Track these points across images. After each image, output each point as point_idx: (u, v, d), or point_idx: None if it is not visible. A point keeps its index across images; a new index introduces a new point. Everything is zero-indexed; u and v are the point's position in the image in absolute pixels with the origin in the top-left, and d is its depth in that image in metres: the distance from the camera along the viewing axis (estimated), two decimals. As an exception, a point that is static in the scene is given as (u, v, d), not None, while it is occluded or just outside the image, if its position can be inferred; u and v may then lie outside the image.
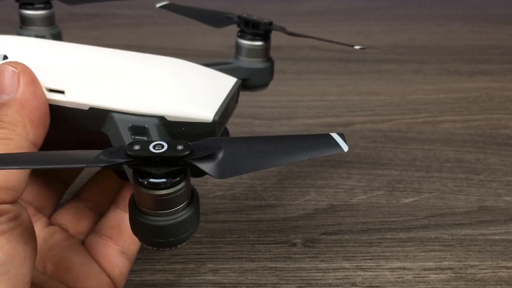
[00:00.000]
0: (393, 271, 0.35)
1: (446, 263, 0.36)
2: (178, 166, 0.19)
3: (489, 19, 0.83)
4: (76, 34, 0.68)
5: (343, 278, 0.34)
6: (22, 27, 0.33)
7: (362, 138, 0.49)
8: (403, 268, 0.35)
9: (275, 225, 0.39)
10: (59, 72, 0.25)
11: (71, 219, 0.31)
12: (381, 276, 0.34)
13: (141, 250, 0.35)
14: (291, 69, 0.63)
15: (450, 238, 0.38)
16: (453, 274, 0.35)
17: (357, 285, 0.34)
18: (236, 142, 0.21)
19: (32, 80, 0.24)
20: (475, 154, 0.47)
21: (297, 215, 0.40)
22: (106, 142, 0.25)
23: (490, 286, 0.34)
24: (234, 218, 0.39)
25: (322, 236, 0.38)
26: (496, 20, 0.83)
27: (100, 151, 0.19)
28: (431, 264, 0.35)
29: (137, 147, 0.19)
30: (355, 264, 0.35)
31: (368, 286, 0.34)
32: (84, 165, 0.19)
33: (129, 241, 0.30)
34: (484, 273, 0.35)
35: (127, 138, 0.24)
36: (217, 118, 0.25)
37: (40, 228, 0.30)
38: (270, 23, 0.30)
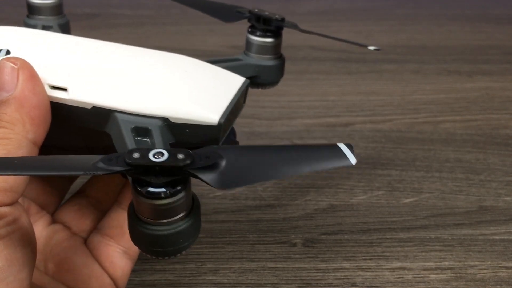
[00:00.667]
0: (393, 271, 0.35)
1: (446, 263, 0.36)
2: (178, 176, 0.19)
3: (488, 19, 0.83)
4: (76, 34, 0.68)
5: (343, 278, 0.34)
6: (29, 16, 0.32)
7: (362, 138, 0.49)
8: (403, 268, 0.35)
9: (275, 225, 0.38)
10: (62, 69, 0.24)
11: (74, 216, 0.31)
12: (381, 276, 0.34)
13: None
14: (292, 69, 0.62)
15: (450, 238, 0.38)
16: (453, 274, 0.35)
17: (357, 285, 0.34)
18: (239, 151, 0.20)
19: (32, 76, 0.23)
20: (475, 154, 0.47)
21: (297, 215, 0.40)
22: (109, 141, 0.24)
23: (490, 286, 0.34)
24: (234, 218, 0.39)
25: (322, 236, 0.38)
26: (496, 20, 0.83)
27: (99, 157, 0.19)
28: (431, 264, 0.35)
29: (136, 155, 0.18)
30: (355, 264, 0.35)
31: (368, 286, 0.34)
32: (81, 172, 0.18)
33: (131, 241, 0.30)
34: (484, 273, 0.35)
35: (129, 139, 0.23)
36: (222, 120, 0.24)
37: (43, 226, 0.29)
38: (282, 20, 0.29)
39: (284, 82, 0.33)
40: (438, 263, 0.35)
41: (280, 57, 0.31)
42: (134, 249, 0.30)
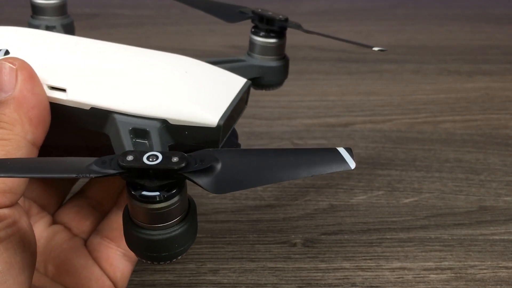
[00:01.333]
0: (393, 271, 0.35)
1: (446, 263, 0.36)
2: (172, 179, 0.18)
3: (489, 19, 0.83)
4: (76, 34, 0.68)
5: (343, 278, 0.34)
6: (33, 16, 0.32)
7: (362, 138, 0.49)
8: (403, 268, 0.35)
9: (275, 225, 0.38)
10: (62, 69, 0.24)
11: (75, 218, 0.31)
12: (381, 276, 0.34)
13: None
14: (291, 69, 0.62)
15: (450, 238, 0.38)
16: (453, 274, 0.35)
17: (357, 285, 0.34)
18: (235, 155, 0.20)
19: (31, 76, 0.23)
20: (475, 154, 0.47)
21: (297, 215, 0.40)
22: (108, 142, 0.24)
23: (490, 286, 0.34)
24: (234, 218, 0.39)
25: (322, 236, 0.38)
26: (496, 20, 0.83)
27: (93, 159, 0.18)
28: (431, 264, 0.35)
29: (130, 158, 0.18)
30: (355, 264, 0.35)
31: (368, 286, 0.34)
32: (74, 175, 0.18)
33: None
34: (484, 273, 0.35)
35: (127, 141, 0.23)
36: (222, 122, 0.24)
37: (43, 227, 0.29)
38: (286, 20, 0.29)
39: (284, 82, 0.33)
40: (438, 263, 0.35)
41: (284, 58, 0.31)
42: None
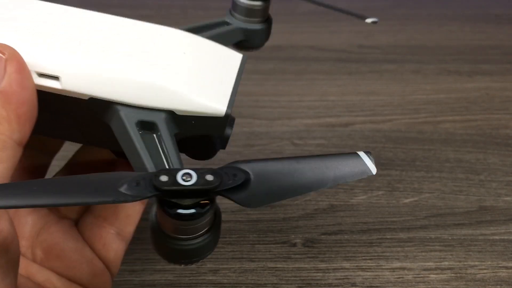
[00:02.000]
0: (393, 271, 0.35)
1: (446, 263, 0.35)
2: (208, 197, 0.19)
3: (489, 19, 0.83)
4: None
5: (343, 278, 0.34)
6: None
7: (362, 138, 0.49)
8: (403, 268, 0.35)
9: (275, 225, 0.38)
10: (53, 52, 0.21)
11: None
12: (381, 276, 0.34)
13: (141, 250, 0.35)
14: (291, 69, 0.63)
15: (450, 238, 0.38)
16: (453, 274, 0.35)
17: (357, 285, 0.34)
18: (264, 167, 0.19)
19: (21, 68, 0.20)
20: (475, 154, 0.47)
21: (297, 215, 0.39)
22: (108, 129, 0.23)
23: (490, 286, 0.34)
24: (234, 218, 0.39)
25: (322, 236, 0.38)
26: (496, 20, 0.83)
27: (122, 180, 0.18)
28: (431, 264, 0.35)
29: (164, 179, 0.18)
30: (355, 264, 0.35)
31: (368, 286, 0.34)
32: (111, 199, 0.17)
33: (125, 222, 0.29)
34: (484, 273, 0.35)
35: (135, 134, 0.22)
36: (229, 110, 0.23)
37: (27, 211, 0.27)
38: None
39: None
40: (438, 263, 0.35)
41: (267, 20, 0.30)
42: (128, 230, 0.29)
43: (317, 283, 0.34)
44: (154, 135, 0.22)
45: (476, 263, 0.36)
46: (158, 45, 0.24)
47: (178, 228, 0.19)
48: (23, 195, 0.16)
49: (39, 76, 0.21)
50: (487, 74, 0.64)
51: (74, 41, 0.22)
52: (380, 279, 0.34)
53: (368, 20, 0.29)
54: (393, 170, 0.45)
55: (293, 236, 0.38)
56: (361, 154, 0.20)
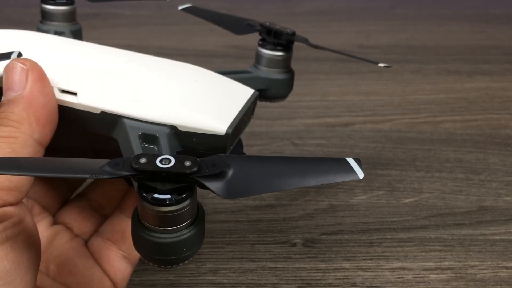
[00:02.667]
0: (393, 271, 0.35)
1: (446, 263, 0.36)
2: (184, 183, 0.19)
3: (489, 19, 0.83)
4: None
5: (343, 278, 0.34)
6: (42, 21, 0.32)
7: (362, 138, 0.49)
8: (403, 268, 0.35)
9: (275, 225, 0.38)
10: (72, 73, 0.25)
11: (76, 218, 0.31)
12: (381, 276, 0.34)
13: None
14: (291, 69, 0.63)
15: (450, 238, 0.38)
16: (453, 274, 0.35)
17: (357, 285, 0.34)
18: (246, 161, 0.20)
19: (41, 77, 0.23)
20: (475, 154, 0.47)
21: (297, 215, 0.40)
22: (116, 147, 0.24)
23: (490, 286, 0.34)
24: (234, 218, 0.39)
25: (322, 236, 0.38)
26: (496, 20, 0.83)
27: (106, 161, 0.19)
28: (431, 264, 0.35)
29: (143, 160, 0.18)
30: (355, 264, 0.35)
31: (368, 286, 0.34)
32: (88, 175, 0.18)
33: (132, 247, 0.30)
34: (484, 273, 0.35)
35: (136, 145, 0.23)
36: (230, 131, 0.24)
37: (45, 227, 0.29)
38: (293, 34, 0.30)
39: (288, 95, 0.33)
40: (438, 263, 0.35)
41: (289, 71, 0.31)
42: (135, 255, 0.30)
43: (317, 283, 0.34)
44: (155, 147, 0.23)
45: (476, 263, 0.36)
46: (170, 72, 0.26)
47: (155, 216, 0.19)
48: (11, 166, 0.18)
49: (61, 92, 0.25)
50: (487, 74, 0.64)
51: (92, 68, 0.25)
52: (380, 279, 0.34)
53: (381, 65, 0.30)
54: (393, 170, 0.45)
55: (293, 236, 0.38)
56: (349, 159, 0.20)
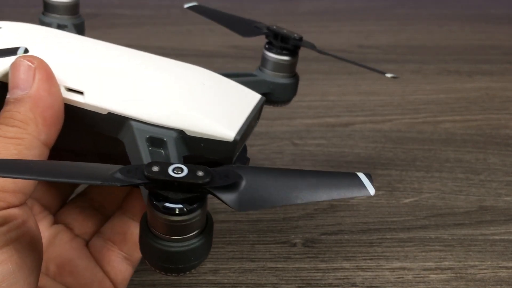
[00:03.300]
0: (393, 271, 0.35)
1: (446, 263, 0.36)
2: (196, 193, 0.19)
3: (489, 19, 0.83)
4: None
5: (343, 278, 0.34)
6: (45, 13, 0.31)
7: (362, 138, 0.49)
8: (403, 268, 0.35)
9: (275, 225, 0.38)
10: (80, 72, 0.24)
11: (77, 218, 0.30)
12: (381, 276, 0.34)
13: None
14: (291, 69, 0.63)
15: (450, 238, 0.38)
16: (453, 274, 0.35)
17: (357, 285, 0.34)
18: (258, 173, 0.20)
19: (48, 76, 0.23)
20: (475, 154, 0.47)
21: (297, 215, 0.40)
22: (121, 148, 0.24)
23: (490, 286, 0.34)
24: (234, 218, 0.39)
25: (322, 236, 0.38)
26: (496, 20, 0.83)
27: (117, 167, 0.18)
28: (431, 264, 0.35)
29: (155, 169, 0.18)
30: (355, 264, 0.35)
31: (368, 286, 0.34)
32: (100, 182, 0.18)
33: (134, 249, 0.30)
34: (484, 273, 0.35)
35: (144, 149, 0.23)
36: (238, 137, 0.24)
37: (45, 227, 0.29)
38: (300, 39, 0.29)
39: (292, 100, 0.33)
40: (438, 263, 0.35)
41: (294, 76, 0.31)
42: (136, 256, 0.30)
43: (317, 283, 0.34)
44: (162, 151, 0.23)
45: (476, 263, 0.36)
46: (178, 74, 0.26)
47: (165, 225, 0.19)
48: (22, 170, 0.18)
49: (67, 90, 0.24)
50: (487, 74, 0.64)
51: (99, 66, 0.25)
52: (380, 279, 0.34)
53: (388, 75, 0.30)
54: (393, 170, 0.45)
55: (293, 236, 0.38)
56: (360, 174, 0.20)
